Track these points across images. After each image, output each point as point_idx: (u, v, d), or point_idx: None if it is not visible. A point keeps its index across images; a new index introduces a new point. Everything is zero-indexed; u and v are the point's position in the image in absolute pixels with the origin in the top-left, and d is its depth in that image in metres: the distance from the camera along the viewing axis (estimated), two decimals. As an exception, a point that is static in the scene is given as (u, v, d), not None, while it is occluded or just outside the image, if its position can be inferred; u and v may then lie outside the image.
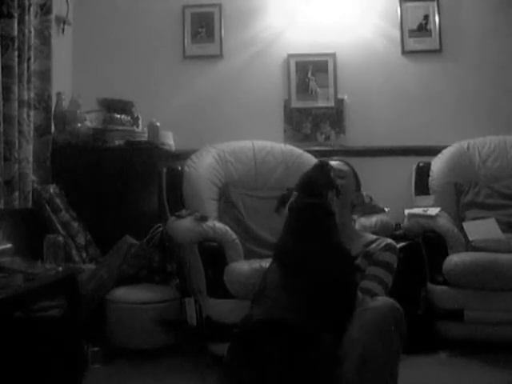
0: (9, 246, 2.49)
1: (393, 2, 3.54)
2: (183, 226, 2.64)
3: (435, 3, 3.52)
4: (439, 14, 3.51)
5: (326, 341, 1.58)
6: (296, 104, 3.54)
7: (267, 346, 1.57)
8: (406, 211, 2.90)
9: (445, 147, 3.28)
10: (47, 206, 2.78)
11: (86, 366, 2.36)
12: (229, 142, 3.23)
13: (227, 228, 2.65)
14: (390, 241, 2.06)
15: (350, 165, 2.25)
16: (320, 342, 1.58)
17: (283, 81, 3.56)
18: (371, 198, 2.46)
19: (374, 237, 2.13)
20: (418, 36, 3.52)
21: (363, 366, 1.53)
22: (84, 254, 2.80)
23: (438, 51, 3.52)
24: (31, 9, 2.74)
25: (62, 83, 3.22)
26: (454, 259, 2.59)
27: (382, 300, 1.65)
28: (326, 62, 3.53)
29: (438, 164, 3.22)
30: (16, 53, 2.58)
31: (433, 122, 3.48)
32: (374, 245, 2.04)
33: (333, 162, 2.21)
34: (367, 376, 1.53)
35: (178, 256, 2.83)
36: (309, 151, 3.29)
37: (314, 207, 1.85)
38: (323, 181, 1.92)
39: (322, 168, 1.97)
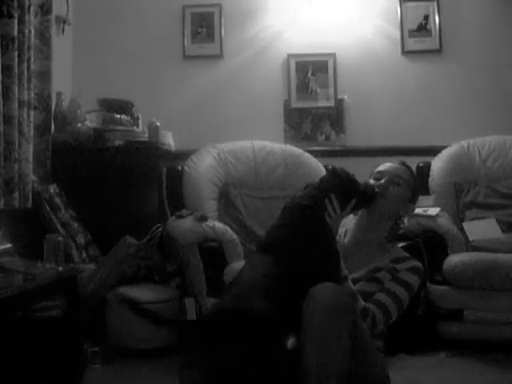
0: (9, 246, 2.48)
1: (393, 2, 3.54)
2: (183, 225, 2.64)
3: (435, 3, 3.52)
4: (439, 13, 3.51)
5: (286, 345, 1.53)
6: (296, 104, 3.54)
7: (225, 338, 1.52)
8: (406, 211, 2.89)
9: (445, 147, 3.28)
10: (47, 206, 2.77)
11: (86, 366, 2.35)
12: (229, 142, 3.23)
13: (227, 228, 2.65)
14: (418, 264, 2.04)
15: (412, 171, 2.18)
16: (281, 343, 1.53)
17: (283, 81, 3.56)
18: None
19: (405, 255, 2.08)
20: (418, 36, 3.52)
21: (318, 348, 1.50)
22: (84, 254, 2.80)
23: (438, 51, 3.52)
24: (31, 9, 2.73)
25: (62, 83, 3.22)
26: (454, 259, 2.59)
27: (322, 285, 1.62)
28: (326, 62, 3.53)
29: (437, 164, 3.22)
30: (16, 53, 2.57)
31: (433, 122, 3.48)
32: (401, 263, 2.02)
33: (391, 164, 2.16)
34: (324, 354, 1.50)
35: (178, 256, 2.83)
36: (309, 151, 3.30)
37: (303, 208, 1.84)
38: (327, 185, 1.91)
39: (335, 171, 1.95)
